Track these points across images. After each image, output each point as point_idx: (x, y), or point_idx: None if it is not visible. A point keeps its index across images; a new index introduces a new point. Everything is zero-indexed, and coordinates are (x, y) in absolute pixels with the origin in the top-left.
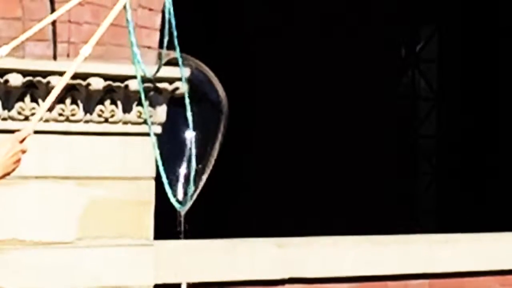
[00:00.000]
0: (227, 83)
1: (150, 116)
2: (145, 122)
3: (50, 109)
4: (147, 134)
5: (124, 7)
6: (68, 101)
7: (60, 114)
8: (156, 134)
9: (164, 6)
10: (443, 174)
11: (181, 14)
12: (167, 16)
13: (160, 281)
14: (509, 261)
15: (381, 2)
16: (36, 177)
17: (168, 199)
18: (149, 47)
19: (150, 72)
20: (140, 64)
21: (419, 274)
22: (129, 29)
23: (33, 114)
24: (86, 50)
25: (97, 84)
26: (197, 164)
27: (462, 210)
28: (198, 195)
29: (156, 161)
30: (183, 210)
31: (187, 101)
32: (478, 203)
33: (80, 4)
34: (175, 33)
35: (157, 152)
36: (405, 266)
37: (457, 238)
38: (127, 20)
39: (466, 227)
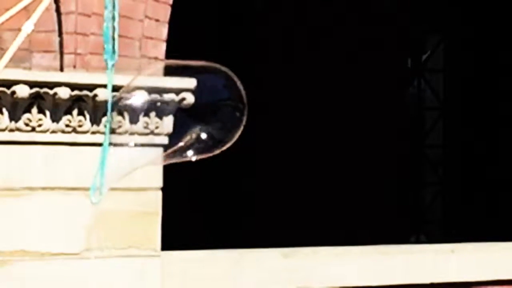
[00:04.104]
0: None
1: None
2: (152, 133)
3: (57, 120)
4: (154, 145)
5: (113, 17)
6: (75, 112)
7: (67, 125)
8: (163, 146)
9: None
10: (450, 183)
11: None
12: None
13: None
14: None
15: (387, 12)
16: (43, 188)
17: (174, 210)
18: (155, 58)
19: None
20: (111, 73)
21: (425, 284)
22: (114, 36)
23: (40, 125)
24: (28, 26)
25: (104, 95)
26: None
27: (468, 219)
28: (205, 207)
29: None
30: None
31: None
32: (484, 212)
33: (87, 15)
34: (116, 39)
35: (103, 159)
36: (410, 276)
37: (462, 247)
38: (107, 27)
39: (472, 236)
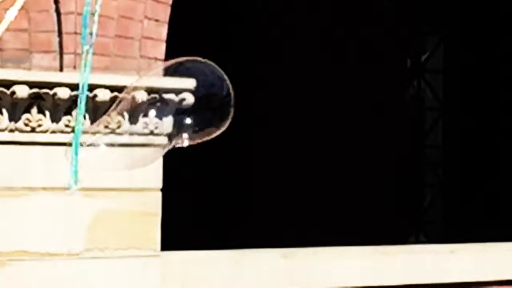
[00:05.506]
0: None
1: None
2: (151, 133)
3: (57, 121)
4: (153, 145)
5: (93, 13)
6: (74, 112)
7: (67, 126)
8: (162, 146)
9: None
10: (449, 184)
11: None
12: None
13: None
14: None
15: (386, 12)
16: (43, 188)
17: (174, 210)
18: (155, 58)
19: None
20: (87, 70)
21: (425, 284)
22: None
23: (40, 126)
24: (12, 13)
25: (103, 95)
26: None
27: (468, 219)
28: (204, 207)
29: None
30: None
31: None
32: (484, 212)
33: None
34: (94, 35)
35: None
36: (410, 276)
37: (462, 247)
38: (87, 11)
39: (472, 236)
